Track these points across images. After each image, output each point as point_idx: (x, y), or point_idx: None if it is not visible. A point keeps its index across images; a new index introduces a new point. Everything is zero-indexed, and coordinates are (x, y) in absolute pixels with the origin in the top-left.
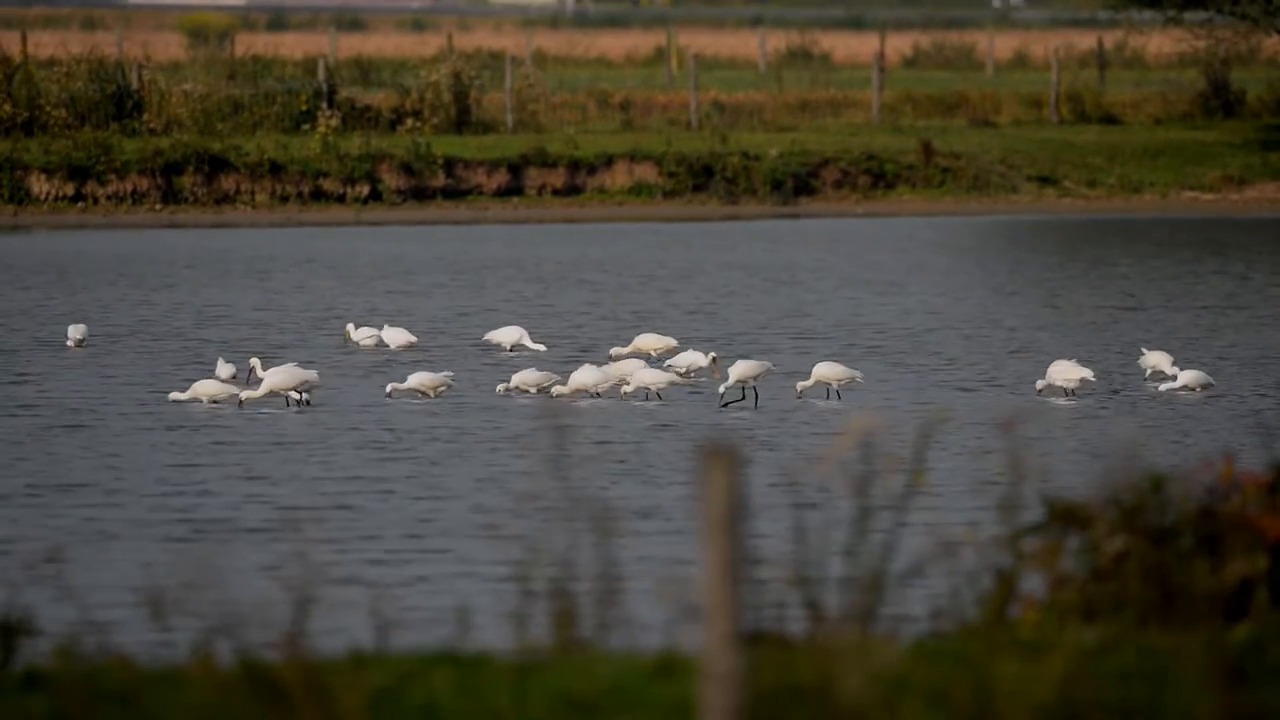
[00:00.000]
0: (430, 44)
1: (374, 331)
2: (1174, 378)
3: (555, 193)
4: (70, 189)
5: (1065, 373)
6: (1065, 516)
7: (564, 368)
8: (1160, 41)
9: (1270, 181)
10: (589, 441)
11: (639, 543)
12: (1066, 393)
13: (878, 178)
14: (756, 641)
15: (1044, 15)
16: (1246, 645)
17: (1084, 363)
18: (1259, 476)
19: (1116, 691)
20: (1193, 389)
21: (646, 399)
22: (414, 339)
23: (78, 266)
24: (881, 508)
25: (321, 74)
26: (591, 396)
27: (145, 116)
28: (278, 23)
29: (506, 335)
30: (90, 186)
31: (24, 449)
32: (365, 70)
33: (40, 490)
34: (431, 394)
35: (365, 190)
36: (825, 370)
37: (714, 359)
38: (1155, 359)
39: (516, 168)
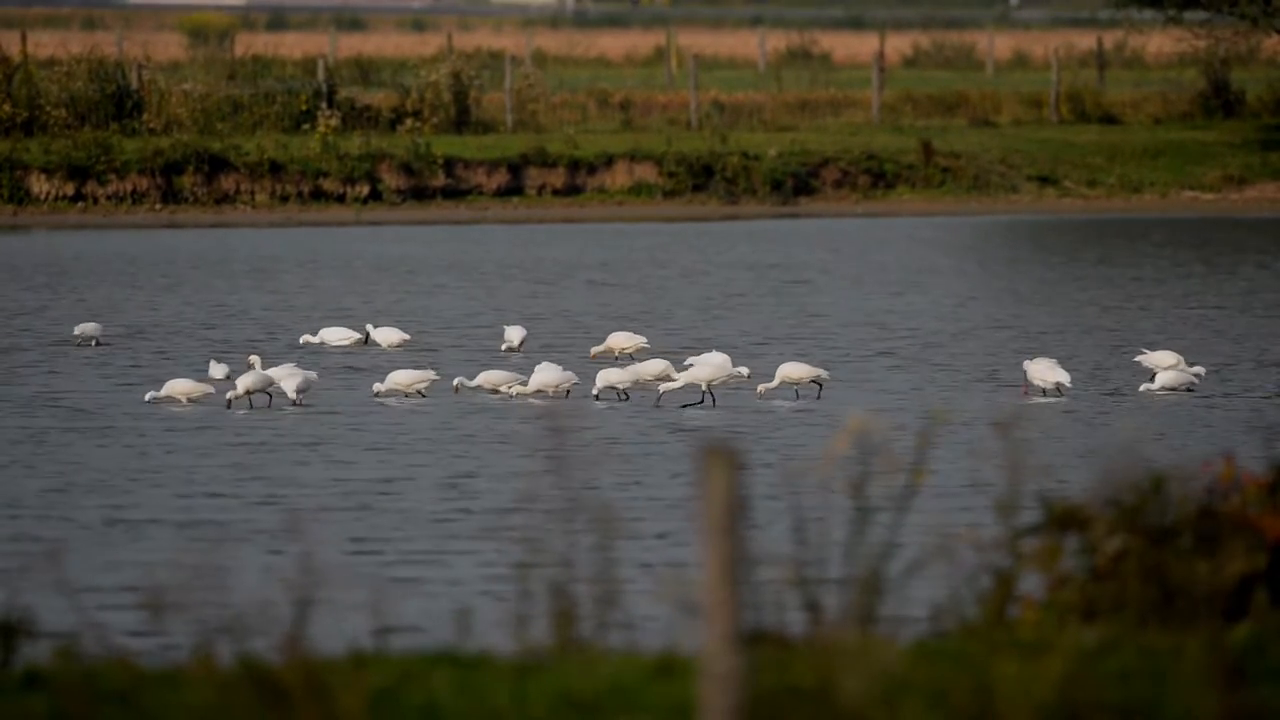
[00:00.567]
0: (430, 44)
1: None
2: (1194, 376)
3: (555, 193)
4: (70, 189)
5: (1042, 372)
6: (1064, 517)
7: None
8: (1160, 41)
9: (1270, 181)
10: (589, 441)
11: (639, 543)
12: (1044, 392)
13: (878, 178)
14: (756, 641)
15: (1044, 15)
16: (1246, 645)
17: (1065, 363)
18: (1259, 476)
19: (1116, 691)
20: (1173, 389)
21: (618, 399)
22: (407, 337)
23: (78, 266)
24: (881, 508)
25: (321, 74)
26: (553, 396)
27: (145, 116)
28: (278, 22)
29: (514, 334)
30: (90, 186)
31: (24, 448)
32: (365, 70)
33: (40, 490)
34: (414, 392)
35: (365, 190)
36: (790, 370)
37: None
38: (1160, 358)
39: (516, 168)
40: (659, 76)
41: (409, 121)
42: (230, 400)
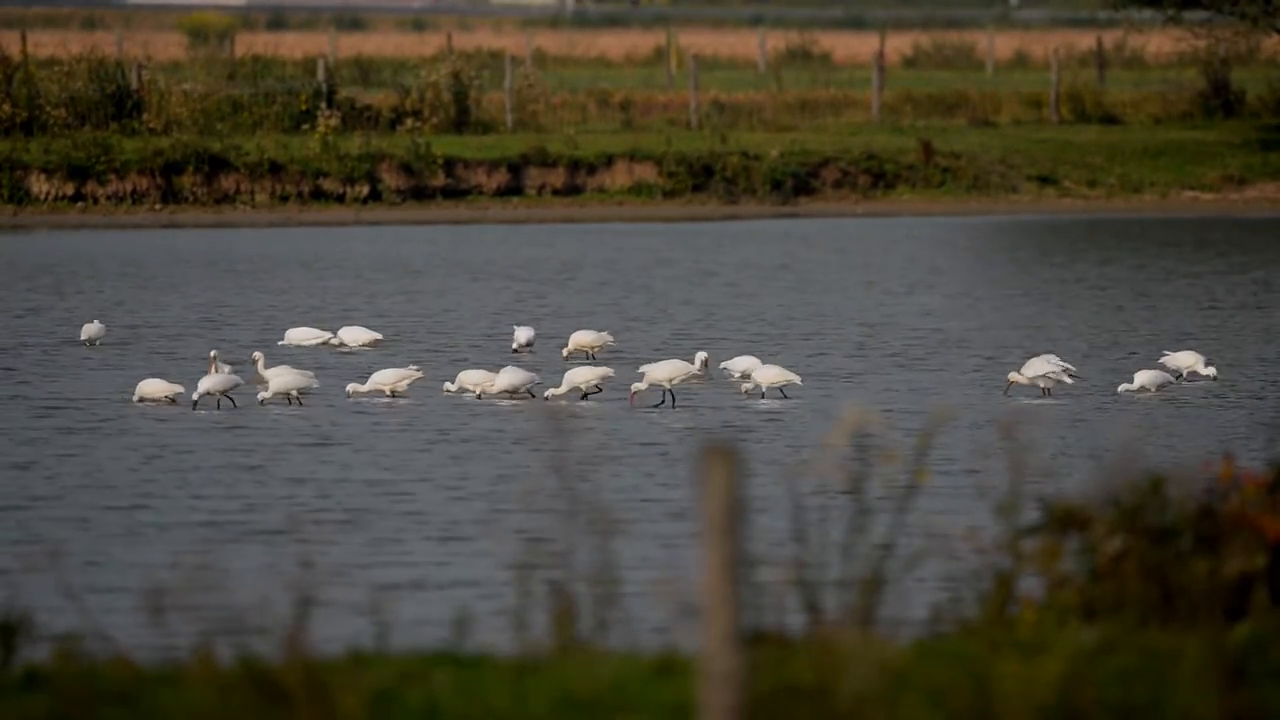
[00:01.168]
0: (430, 44)
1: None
2: (1209, 376)
3: (555, 192)
4: (70, 189)
5: (1039, 369)
6: (1064, 517)
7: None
8: (1160, 41)
9: (1270, 181)
10: (589, 441)
11: (639, 543)
12: (1044, 391)
13: (878, 178)
14: (756, 641)
15: (1044, 15)
16: (1246, 645)
17: (1063, 359)
18: (1259, 476)
19: (1116, 691)
20: (1149, 389)
21: (584, 398)
22: (377, 336)
23: (78, 266)
24: (881, 508)
25: (321, 74)
26: (519, 396)
27: (145, 116)
28: (278, 22)
29: (522, 335)
30: (90, 186)
31: (25, 448)
32: (365, 70)
33: (41, 490)
34: (393, 392)
35: (365, 190)
36: (763, 373)
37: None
38: (1183, 359)
39: (516, 168)
40: (659, 76)
41: (409, 121)
42: (195, 401)
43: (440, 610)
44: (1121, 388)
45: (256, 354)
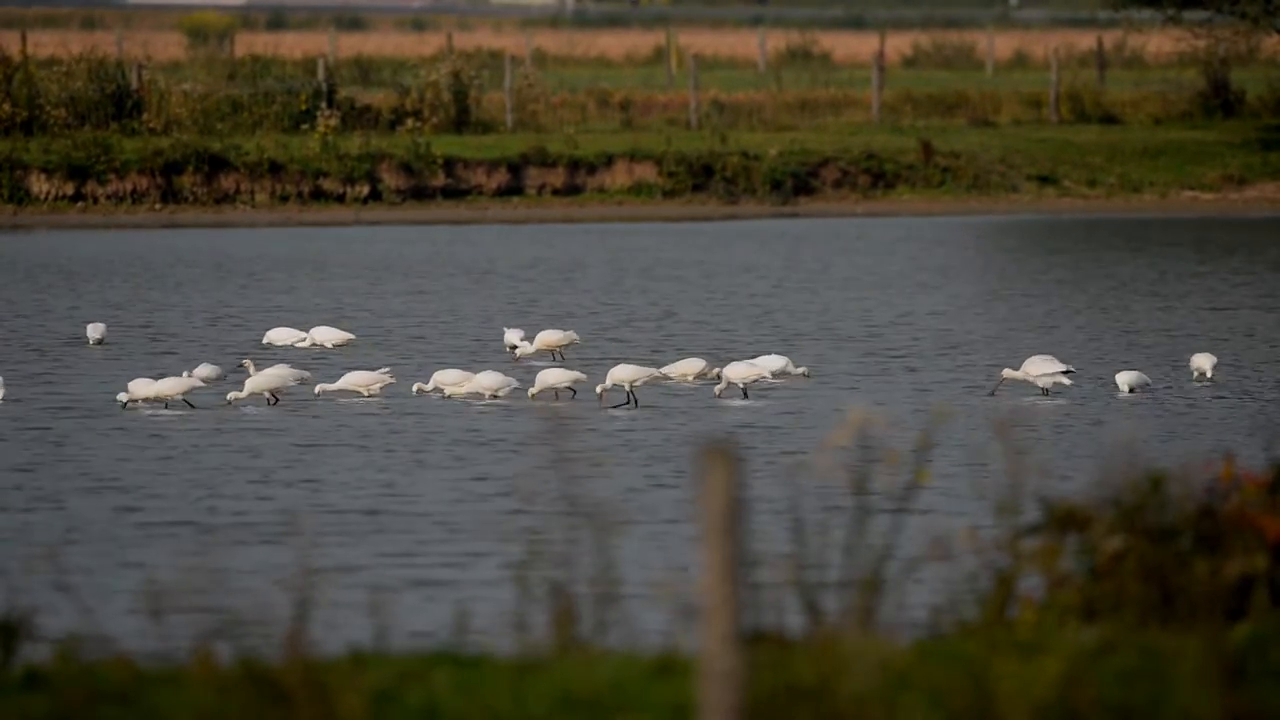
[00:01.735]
0: (430, 44)
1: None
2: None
3: (555, 192)
4: (70, 189)
5: (1039, 368)
6: (1064, 517)
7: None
8: (1160, 41)
9: (1270, 181)
10: (588, 441)
11: (639, 543)
12: (1044, 391)
13: (878, 177)
14: (756, 641)
15: (1044, 15)
16: (1246, 645)
17: (1061, 359)
18: (1259, 476)
19: (1116, 691)
20: (1135, 389)
21: (556, 398)
22: (350, 336)
23: (78, 266)
24: (881, 508)
25: (321, 74)
26: (492, 398)
27: (145, 116)
28: (277, 22)
29: (512, 336)
30: (90, 186)
31: (25, 448)
32: (365, 70)
33: (41, 489)
34: (365, 393)
35: (365, 190)
36: (734, 371)
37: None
38: (1198, 361)
39: (516, 167)
40: (659, 76)
41: (409, 121)
42: (126, 403)
43: (440, 610)
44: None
45: (246, 360)
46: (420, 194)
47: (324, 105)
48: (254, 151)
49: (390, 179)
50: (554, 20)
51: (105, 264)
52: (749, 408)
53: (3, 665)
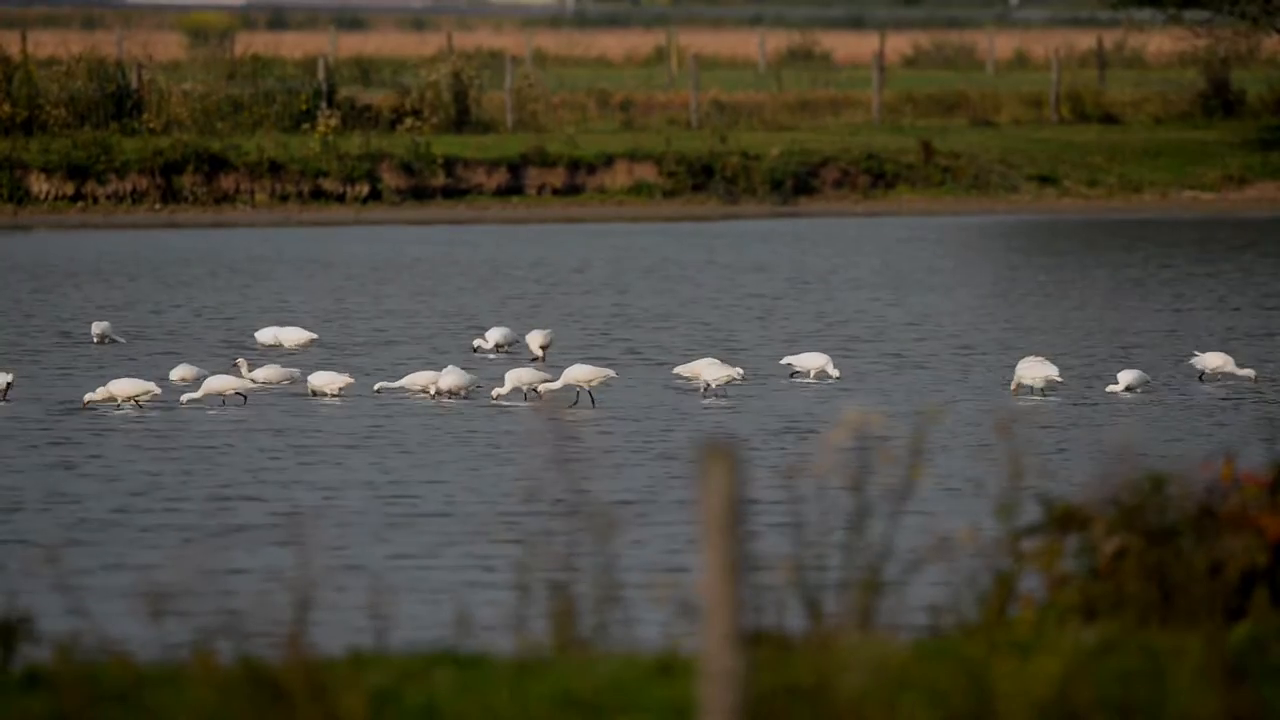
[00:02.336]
0: (430, 43)
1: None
2: (1248, 376)
3: (555, 192)
4: (70, 189)
5: (1034, 371)
6: (1064, 517)
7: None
8: (1160, 41)
9: (1270, 181)
10: (588, 441)
11: (639, 542)
12: (1040, 392)
13: (878, 177)
14: (756, 641)
15: (1044, 15)
16: (1246, 645)
17: (1059, 361)
18: (1259, 476)
19: (1116, 691)
20: (1134, 389)
21: (525, 398)
22: (314, 336)
23: (78, 266)
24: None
25: (321, 73)
26: (459, 398)
27: (145, 116)
28: (278, 22)
29: (495, 335)
30: (90, 186)
31: (26, 448)
32: (365, 70)
33: (41, 489)
34: (330, 394)
35: (365, 190)
36: (706, 370)
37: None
38: (1211, 360)
39: (516, 167)
40: (659, 76)
41: (409, 121)
42: (86, 402)
43: (440, 610)
44: (1109, 388)
45: (240, 360)
46: (420, 194)
47: (324, 105)
48: (254, 151)
49: (390, 179)
50: (554, 20)
51: (105, 264)
52: (751, 408)
53: (3, 665)
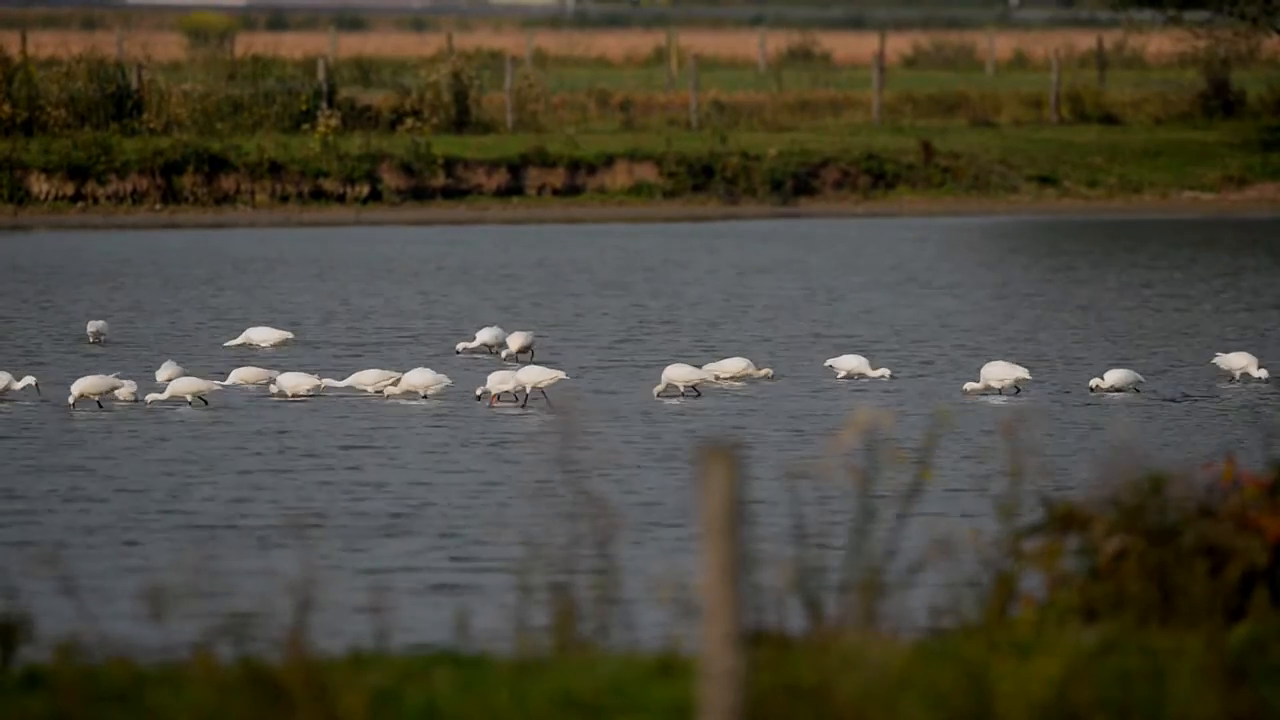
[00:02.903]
0: (430, 44)
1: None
2: (1261, 378)
3: (555, 193)
4: (70, 189)
5: (999, 373)
6: (1065, 517)
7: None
8: (1160, 41)
9: (1270, 181)
10: (588, 441)
11: (639, 543)
12: (1001, 393)
13: (878, 178)
14: (756, 641)
15: (1044, 15)
16: (1246, 645)
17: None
18: (1259, 476)
19: (1116, 691)
20: (1121, 389)
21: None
22: (288, 335)
23: (79, 266)
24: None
25: (321, 74)
26: (424, 398)
27: (145, 116)
28: (278, 23)
29: (484, 335)
30: (90, 186)
31: (26, 448)
32: (365, 70)
33: (41, 489)
34: (293, 396)
35: (365, 190)
36: (674, 372)
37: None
38: (1234, 360)
39: (516, 168)
40: (659, 77)
41: (409, 121)
42: (49, 401)
43: (441, 610)
44: (1093, 383)
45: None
46: (420, 194)
47: (324, 105)
48: (254, 152)
49: (390, 179)
50: (554, 20)
51: (105, 265)
52: (754, 408)
53: (3, 665)
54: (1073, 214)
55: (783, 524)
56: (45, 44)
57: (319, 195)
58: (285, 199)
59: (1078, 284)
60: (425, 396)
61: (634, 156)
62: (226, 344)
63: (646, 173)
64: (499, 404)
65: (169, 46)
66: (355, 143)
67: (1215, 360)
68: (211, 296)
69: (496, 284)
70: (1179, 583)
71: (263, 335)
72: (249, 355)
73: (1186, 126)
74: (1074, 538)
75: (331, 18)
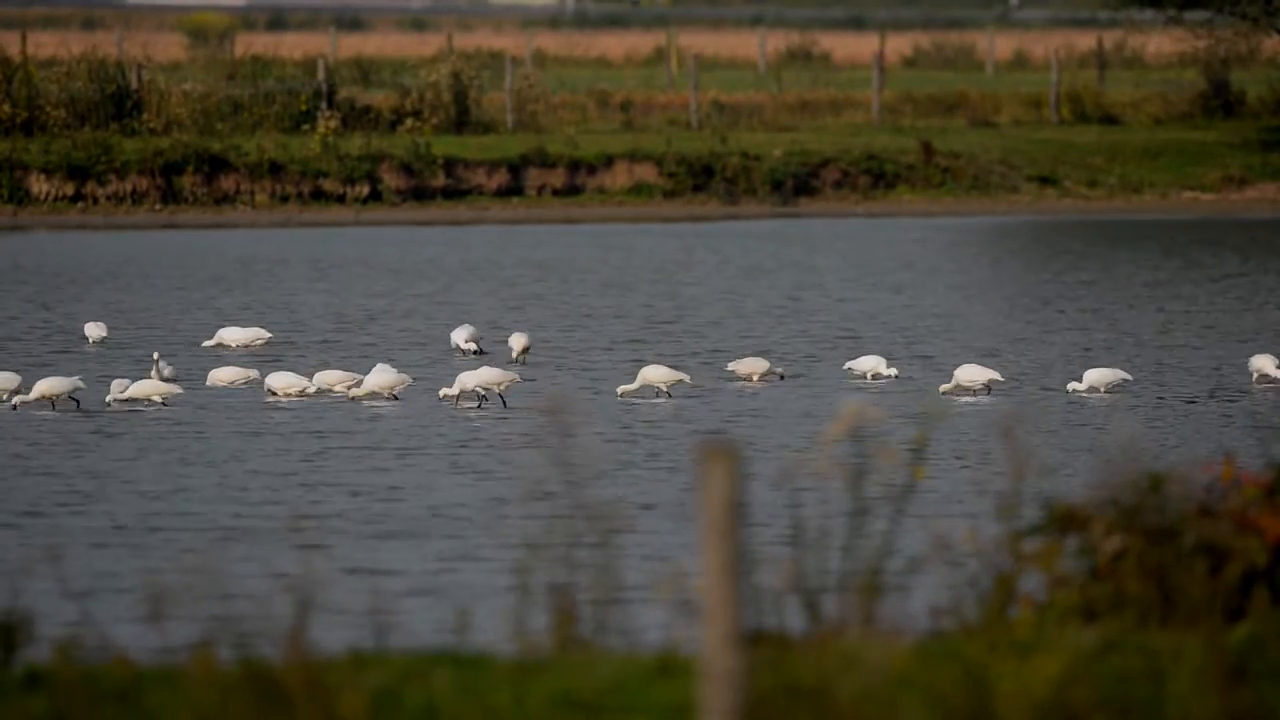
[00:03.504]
0: (430, 44)
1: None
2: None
3: (555, 193)
4: (70, 189)
5: (972, 375)
6: (1064, 517)
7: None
8: (1160, 41)
9: (1270, 181)
10: (588, 440)
11: (639, 542)
12: (974, 393)
13: (878, 178)
14: (756, 641)
15: (1044, 15)
16: (1246, 645)
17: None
18: (1259, 476)
19: (1116, 691)
20: (1098, 389)
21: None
22: (267, 335)
23: (79, 267)
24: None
25: (321, 74)
26: (388, 399)
27: (145, 116)
28: (278, 23)
29: (457, 335)
30: (90, 186)
31: (26, 448)
32: (365, 70)
33: (41, 489)
34: (281, 396)
35: (365, 190)
36: (652, 373)
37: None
38: (1261, 362)
39: (516, 168)
40: (659, 77)
41: (409, 122)
42: (16, 404)
43: (441, 610)
44: (1070, 385)
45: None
46: (420, 194)
47: (324, 105)
48: (254, 152)
49: (390, 179)
50: (554, 20)
51: (105, 264)
52: (756, 408)
53: (3, 665)
54: (1073, 214)
55: (782, 524)
56: (45, 44)
57: (319, 195)
58: (285, 199)
59: (1078, 284)
60: (394, 397)
61: (634, 157)
62: (204, 344)
63: (646, 173)
64: (461, 404)
65: (169, 46)
66: (355, 143)
67: (1248, 361)
68: (212, 299)
69: (496, 284)
70: (1178, 583)
71: (235, 335)
72: (226, 355)
73: (1186, 127)
74: (1073, 538)
75: (331, 18)
